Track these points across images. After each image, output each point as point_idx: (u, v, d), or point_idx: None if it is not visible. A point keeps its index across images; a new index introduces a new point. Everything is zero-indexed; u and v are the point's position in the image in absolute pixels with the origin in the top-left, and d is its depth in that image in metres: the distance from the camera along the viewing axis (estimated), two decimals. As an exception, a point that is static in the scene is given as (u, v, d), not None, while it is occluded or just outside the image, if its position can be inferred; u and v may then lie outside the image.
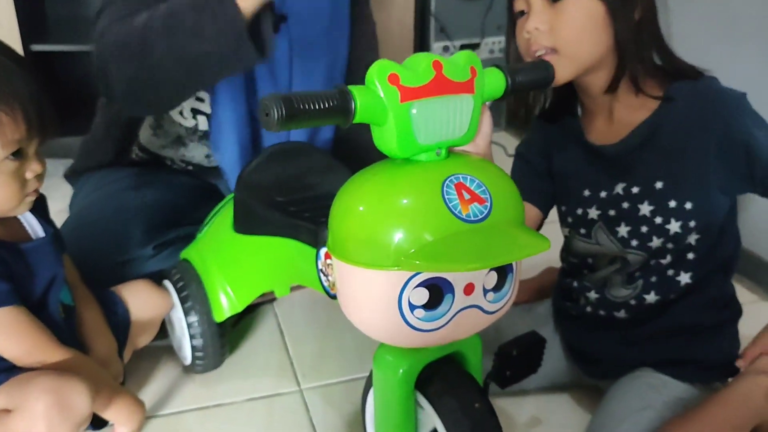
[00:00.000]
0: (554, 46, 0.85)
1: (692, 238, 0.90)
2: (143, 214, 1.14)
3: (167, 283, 1.05)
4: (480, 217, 0.66)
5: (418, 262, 0.62)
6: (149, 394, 1.06)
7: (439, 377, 0.74)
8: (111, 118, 1.24)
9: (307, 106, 0.60)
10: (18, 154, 0.80)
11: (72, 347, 0.87)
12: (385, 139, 0.67)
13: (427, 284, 0.66)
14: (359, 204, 0.67)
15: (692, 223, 0.89)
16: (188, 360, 1.07)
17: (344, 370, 1.11)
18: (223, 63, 0.94)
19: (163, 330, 1.10)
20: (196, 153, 1.26)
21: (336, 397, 1.06)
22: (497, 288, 0.70)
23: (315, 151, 1.05)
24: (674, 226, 0.89)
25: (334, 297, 0.82)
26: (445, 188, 0.66)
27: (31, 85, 0.80)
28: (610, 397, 0.94)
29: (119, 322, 1.01)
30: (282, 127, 0.59)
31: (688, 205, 0.88)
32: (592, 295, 0.98)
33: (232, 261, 0.99)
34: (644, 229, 0.91)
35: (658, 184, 0.89)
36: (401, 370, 0.72)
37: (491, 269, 0.69)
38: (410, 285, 0.65)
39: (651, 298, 0.94)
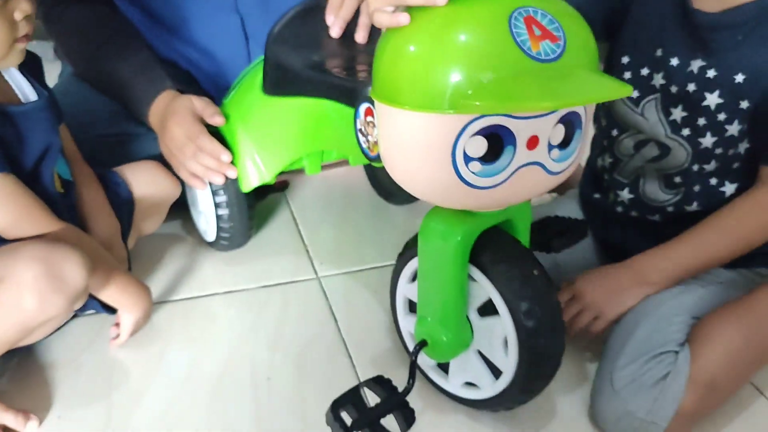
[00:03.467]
0: None
1: (743, 147, 0.79)
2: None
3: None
4: (552, 56, 0.56)
5: (478, 103, 0.54)
6: (157, 280, 0.99)
7: (491, 246, 0.67)
8: None
9: None
10: None
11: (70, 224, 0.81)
12: None
13: (486, 133, 0.57)
14: (412, 38, 0.58)
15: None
16: (212, 235, 1.01)
17: (362, 260, 1.05)
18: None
19: (170, 215, 1.03)
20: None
21: (354, 285, 1.00)
22: (563, 144, 0.62)
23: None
24: (734, 129, 0.78)
25: (374, 160, 0.74)
26: (513, 21, 0.56)
27: None
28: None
29: (122, 205, 0.93)
30: None
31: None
32: (625, 194, 0.87)
33: (260, 126, 0.91)
34: (702, 121, 0.79)
35: (739, 77, 0.77)
36: (458, 238, 0.65)
37: (558, 122, 0.60)
38: (467, 132, 0.57)
39: (692, 208, 0.84)
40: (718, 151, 0.80)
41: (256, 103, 0.91)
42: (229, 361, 0.86)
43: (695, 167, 0.82)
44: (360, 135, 0.75)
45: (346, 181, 1.25)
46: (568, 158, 0.63)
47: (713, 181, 0.83)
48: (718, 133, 0.79)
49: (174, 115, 0.92)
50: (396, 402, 0.67)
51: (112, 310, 0.85)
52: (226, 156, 0.90)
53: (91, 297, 0.80)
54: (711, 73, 0.78)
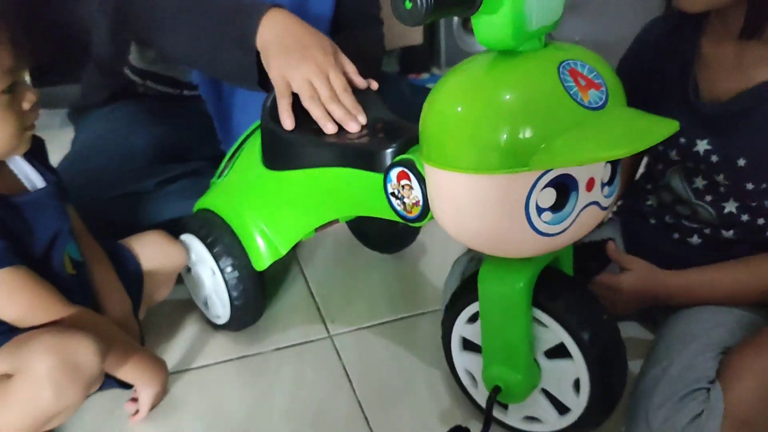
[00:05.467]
0: None
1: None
2: (145, 147, 1.09)
3: (188, 237, 0.94)
4: (600, 103, 0.61)
5: (558, 157, 0.57)
6: (171, 350, 0.98)
7: (556, 289, 0.70)
8: (101, 48, 1.14)
9: None
10: (11, 87, 0.72)
11: (83, 306, 0.79)
12: (495, 27, 0.60)
13: (554, 183, 0.61)
14: (471, 101, 0.60)
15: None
16: (223, 318, 0.97)
17: (373, 314, 1.05)
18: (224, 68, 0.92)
19: (178, 280, 1.00)
20: (186, 68, 1.16)
21: (367, 341, 1.00)
22: (610, 181, 0.66)
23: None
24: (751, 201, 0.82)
25: (412, 220, 0.76)
26: (561, 75, 0.60)
27: (11, 4, 0.72)
28: (675, 319, 0.84)
29: (132, 279, 0.92)
30: (427, 18, 0.52)
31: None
32: (666, 219, 0.91)
33: (268, 202, 0.89)
34: (722, 189, 0.83)
35: (741, 161, 0.80)
36: (521, 284, 0.67)
37: (607, 162, 0.65)
38: (539, 186, 0.60)
39: (728, 234, 0.86)
40: (744, 218, 0.83)
41: (260, 179, 0.89)
42: None
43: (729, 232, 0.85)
44: (393, 199, 0.76)
45: (350, 234, 1.25)
46: (614, 192, 0.68)
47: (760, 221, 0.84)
48: (740, 200, 0.83)
49: (314, 34, 0.87)
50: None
51: (129, 386, 0.83)
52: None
53: (108, 376, 0.78)
54: (714, 158, 0.82)
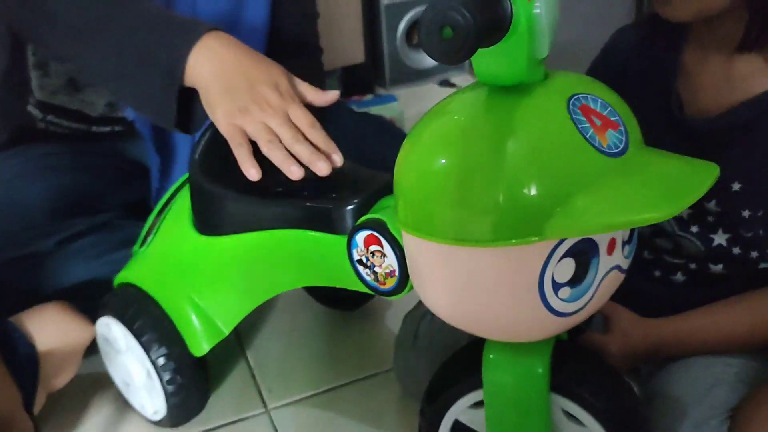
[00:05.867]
0: None
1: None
2: (43, 200, 0.92)
3: (109, 320, 0.77)
4: (621, 147, 0.48)
5: (582, 222, 0.44)
6: None
7: (569, 366, 0.57)
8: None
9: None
10: None
11: None
12: (507, 57, 0.46)
13: (573, 251, 0.48)
14: (466, 152, 0.47)
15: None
16: (160, 413, 0.80)
17: (315, 382, 0.92)
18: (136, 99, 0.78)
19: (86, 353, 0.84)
20: (94, 100, 0.98)
21: (310, 414, 0.87)
22: (630, 238, 0.54)
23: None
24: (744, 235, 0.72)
25: (386, 293, 0.61)
26: (573, 116, 0.47)
27: None
28: (666, 377, 0.75)
29: (22, 364, 0.75)
30: (467, 52, 0.39)
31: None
32: (645, 254, 0.81)
33: (203, 275, 0.73)
34: (710, 218, 0.73)
35: (735, 186, 0.71)
36: (540, 369, 0.54)
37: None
38: (555, 257, 0.47)
39: (716, 269, 0.76)
40: (737, 251, 0.73)
41: (192, 247, 0.73)
42: None
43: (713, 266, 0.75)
44: (360, 267, 0.62)
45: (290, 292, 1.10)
46: (633, 250, 0.55)
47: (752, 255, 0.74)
48: (732, 230, 0.73)
49: (261, 63, 0.72)
50: None
51: None
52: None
53: None
54: None
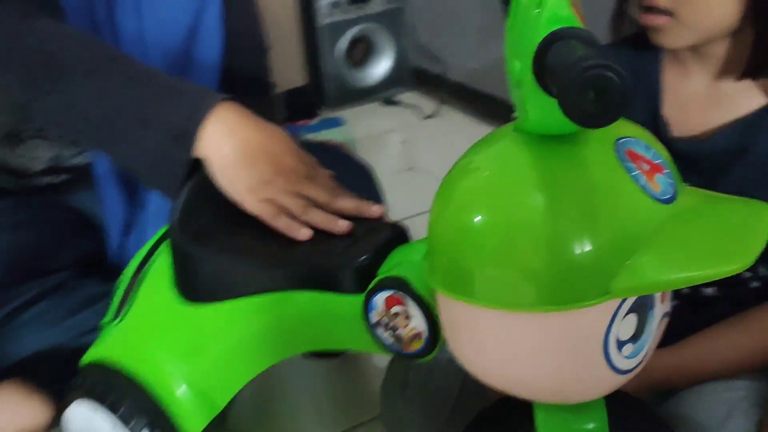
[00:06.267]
0: (671, 8, 0.64)
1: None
2: None
3: (83, 407, 0.69)
4: (672, 192, 0.45)
5: (650, 277, 0.41)
6: None
7: (624, 419, 0.54)
8: None
9: None
10: None
11: None
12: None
13: (636, 306, 0.45)
14: (521, 206, 0.43)
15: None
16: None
17: None
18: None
19: None
20: (38, 153, 0.90)
21: None
22: (674, 280, 0.51)
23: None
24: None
25: (408, 356, 0.57)
26: (623, 162, 0.44)
27: None
28: (674, 409, 0.71)
29: None
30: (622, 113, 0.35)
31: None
32: None
33: (193, 346, 0.66)
34: None
35: None
36: (600, 426, 0.51)
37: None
38: (620, 314, 0.44)
39: (708, 291, 0.74)
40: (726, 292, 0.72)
41: (178, 316, 0.66)
42: None
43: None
44: (380, 330, 0.57)
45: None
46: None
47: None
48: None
49: (276, 133, 0.69)
50: None
51: None
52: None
53: None
54: None
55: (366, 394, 0.92)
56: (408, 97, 1.83)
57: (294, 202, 0.65)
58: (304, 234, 0.63)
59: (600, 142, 0.45)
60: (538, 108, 0.43)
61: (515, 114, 0.48)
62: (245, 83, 0.94)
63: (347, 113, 1.72)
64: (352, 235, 0.63)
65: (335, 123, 1.56)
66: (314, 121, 1.59)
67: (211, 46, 0.90)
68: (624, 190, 0.43)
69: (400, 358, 0.58)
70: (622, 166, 0.44)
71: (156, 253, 0.71)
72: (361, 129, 1.63)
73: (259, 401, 0.92)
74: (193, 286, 0.65)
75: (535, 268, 0.42)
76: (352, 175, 0.99)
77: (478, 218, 0.44)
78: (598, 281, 0.42)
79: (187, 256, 0.64)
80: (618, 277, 0.42)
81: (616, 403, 0.54)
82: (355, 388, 0.96)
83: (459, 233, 0.45)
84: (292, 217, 0.64)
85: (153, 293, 0.68)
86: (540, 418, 0.52)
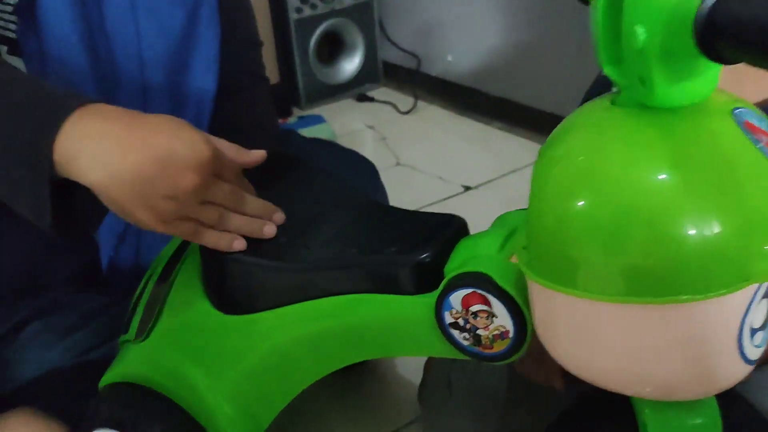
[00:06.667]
0: None
1: None
2: None
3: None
4: (794, 163, 0.42)
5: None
6: None
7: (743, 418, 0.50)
8: None
9: None
10: None
11: None
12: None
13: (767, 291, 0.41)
14: (648, 187, 0.39)
15: None
16: None
17: None
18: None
19: None
20: None
21: None
22: None
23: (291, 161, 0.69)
24: None
25: (489, 358, 0.52)
26: (747, 135, 0.41)
27: None
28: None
29: None
30: None
31: None
32: None
33: (235, 362, 0.59)
34: None
35: None
36: (717, 423, 0.47)
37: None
38: (756, 301, 0.40)
39: None
40: None
41: (215, 330, 0.59)
42: None
43: None
44: (454, 331, 0.52)
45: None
46: None
47: None
48: None
49: (164, 131, 0.53)
50: None
51: None
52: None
53: None
54: None
55: (401, 398, 0.87)
56: (381, 92, 1.78)
57: (206, 213, 0.55)
58: (238, 245, 0.56)
59: (719, 114, 0.41)
60: (670, 77, 0.39)
61: (615, 89, 0.44)
62: (245, 77, 0.88)
63: (322, 110, 1.66)
64: (405, 230, 0.58)
65: (317, 120, 1.49)
66: (293, 119, 1.53)
67: (209, 41, 0.83)
68: (756, 165, 0.40)
69: (478, 360, 0.53)
70: (750, 139, 0.41)
71: (178, 266, 0.64)
72: (338, 126, 1.57)
73: (284, 420, 0.86)
74: (232, 299, 0.59)
75: (672, 255, 0.38)
76: (356, 170, 0.95)
77: (594, 204, 0.40)
78: (738, 266, 0.38)
79: (222, 268, 0.58)
80: (759, 260, 0.38)
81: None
82: (387, 392, 0.90)
83: (573, 222, 0.41)
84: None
85: (184, 307, 0.61)
86: (648, 416, 0.48)
